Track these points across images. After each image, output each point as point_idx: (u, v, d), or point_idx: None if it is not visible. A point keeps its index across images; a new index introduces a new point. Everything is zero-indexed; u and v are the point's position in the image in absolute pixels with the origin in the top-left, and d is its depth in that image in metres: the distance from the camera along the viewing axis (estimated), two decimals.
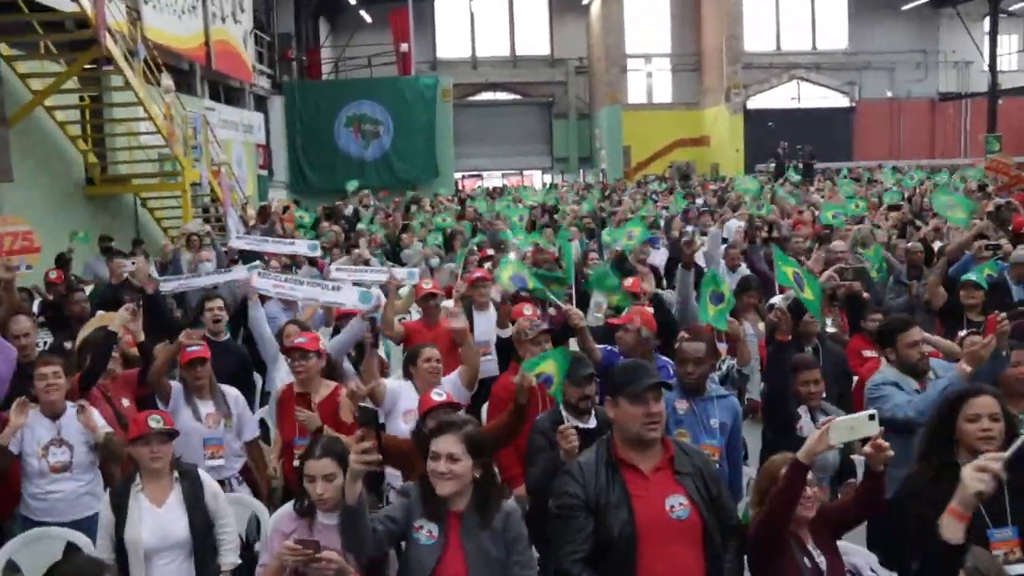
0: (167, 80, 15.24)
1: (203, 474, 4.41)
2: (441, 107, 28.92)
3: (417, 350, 5.48)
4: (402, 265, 10.53)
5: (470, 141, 35.37)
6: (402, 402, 5.32)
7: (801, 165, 30.19)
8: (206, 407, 5.33)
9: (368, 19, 33.85)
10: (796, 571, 3.47)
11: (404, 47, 29.84)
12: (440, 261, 11.47)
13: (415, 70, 31.39)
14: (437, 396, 4.51)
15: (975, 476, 2.63)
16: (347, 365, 6.69)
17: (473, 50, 39.83)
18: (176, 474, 4.25)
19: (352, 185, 20.86)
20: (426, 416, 4.41)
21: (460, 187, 30.52)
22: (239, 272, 7.88)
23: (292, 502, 3.93)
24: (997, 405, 3.51)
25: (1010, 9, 38.18)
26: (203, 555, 4.18)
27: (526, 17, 40.05)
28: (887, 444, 3.28)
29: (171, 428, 4.29)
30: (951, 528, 2.68)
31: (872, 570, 4.02)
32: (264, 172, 25.46)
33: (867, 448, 3.34)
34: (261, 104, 26.87)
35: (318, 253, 10.20)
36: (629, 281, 6.88)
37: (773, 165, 30.51)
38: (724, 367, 5.74)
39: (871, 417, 3.22)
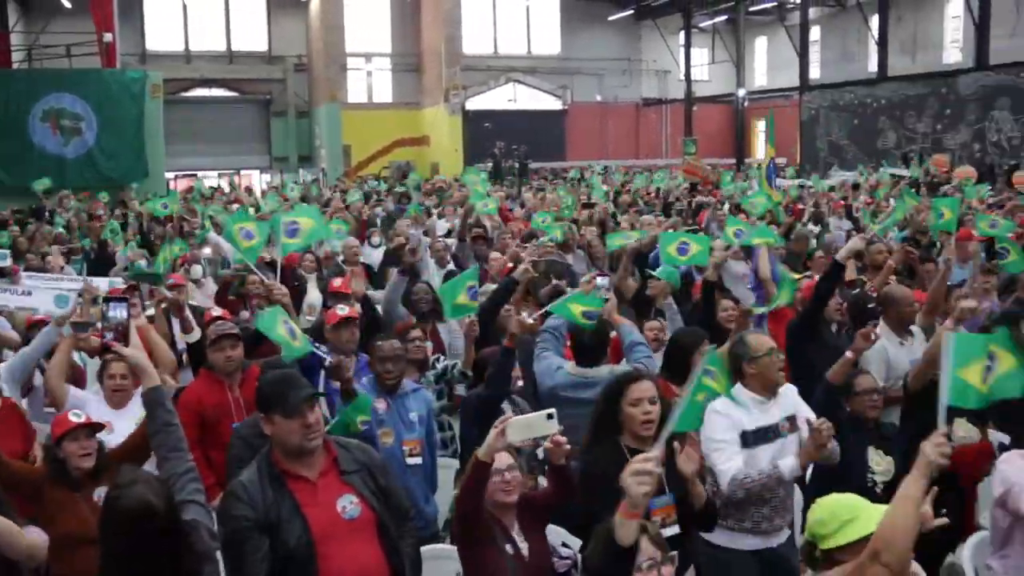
0: None
1: None
2: (150, 103, 27.25)
3: (105, 365, 5.19)
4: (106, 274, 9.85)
5: (183, 139, 33.74)
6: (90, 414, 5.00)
7: (517, 165, 31.42)
8: None
9: (67, 4, 31.46)
10: (496, 557, 3.64)
11: (108, 37, 27.80)
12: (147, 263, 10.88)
13: (121, 62, 29.38)
14: (75, 417, 4.24)
15: (633, 480, 2.73)
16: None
17: (186, 44, 38.07)
18: None
19: (42, 184, 19.23)
20: (61, 440, 4.18)
21: (174, 187, 29.04)
22: None
23: None
24: (654, 389, 3.86)
25: (700, 25, 41.72)
26: None
27: (242, 12, 38.82)
28: (564, 440, 3.50)
29: None
30: (624, 529, 2.82)
31: (564, 544, 4.26)
32: None
33: (548, 444, 3.53)
34: None
35: (7, 263, 9.29)
36: (338, 281, 6.88)
37: (490, 165, 31.47)
38: (439, 366, 5.88)
39: (549, 416, 3.38)
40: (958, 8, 31.87)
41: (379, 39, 40.21)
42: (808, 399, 4.54)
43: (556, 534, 4.37)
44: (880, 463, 4.70)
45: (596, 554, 2.90)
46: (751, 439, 4.21)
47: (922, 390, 4.89)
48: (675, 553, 2.88)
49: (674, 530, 3.70)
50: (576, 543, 4.25)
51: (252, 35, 39.14)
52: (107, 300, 3.31)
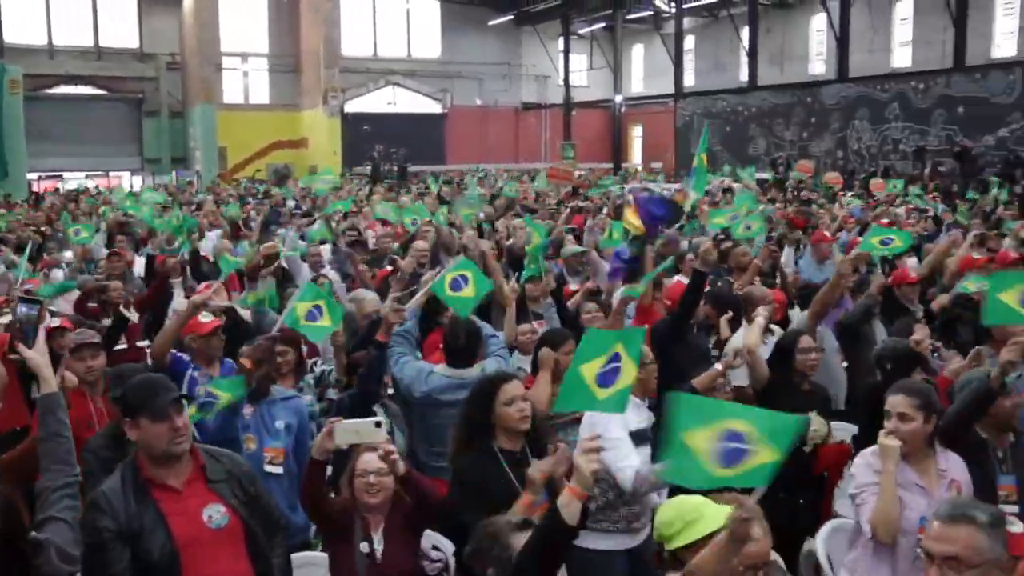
0: None
1: None
2: (9, 99, 26.06)
3: None
4: None
5: (48, 139, 32.39)
6: None
7: (397, 168, 31.27)
8: None
9: None
10: (347, 554, 3.70)
11: None
12: (6, 269, 10.40)
13: None
14: None
15: (584, 459, 2.72)
16: None
17: (50, 38, 36.42)
18: None
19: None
20: None
21: (36, 190, 27.78)
22: None
23: None
24: (523, 388, 3.92)
25: (579, 32, 42.42)
26: None
27: (111, 6, 37.39)
28: (393, 448, 3.62)
29: None
30: (571, 508, 2.74)
31: (435, 548, 4.28)
32: None
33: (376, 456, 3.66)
34: None
35: None
36: (202, 286, 6.70)
37: (369, 168, 31.26)
38: (317, 370, 5.80)
39: (377, 424, 3.52)
40: (822, 23, 33.28)
41: (256, 38, 39.41)
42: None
43: (428, 537, 4.38)
44: None
45: (530, 548, 2.82)
46: (636, 439, 4.30)
47: (768, 387, 5.08)
48: None
49: None
50: (448, 545, 4.27)
51: (122, 31, 37.70)
52: (22, 300, 3.24)
